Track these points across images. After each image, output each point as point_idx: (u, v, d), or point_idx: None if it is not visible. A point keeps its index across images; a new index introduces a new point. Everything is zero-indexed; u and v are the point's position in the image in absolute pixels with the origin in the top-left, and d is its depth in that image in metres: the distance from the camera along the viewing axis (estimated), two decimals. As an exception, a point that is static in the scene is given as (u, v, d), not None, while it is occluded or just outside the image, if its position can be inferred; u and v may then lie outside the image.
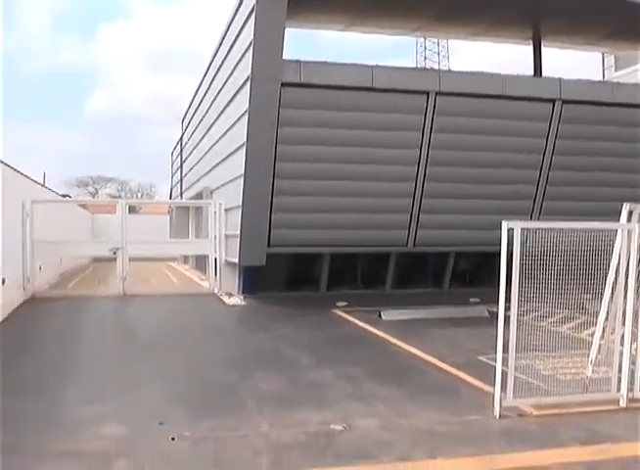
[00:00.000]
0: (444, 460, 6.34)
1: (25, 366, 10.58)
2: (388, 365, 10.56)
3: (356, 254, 20.30)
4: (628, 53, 25.16)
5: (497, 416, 7.62)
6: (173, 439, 6.94)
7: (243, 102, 17.53)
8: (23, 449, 6.67)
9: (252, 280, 19.45)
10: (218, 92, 22.42)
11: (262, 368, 10.34)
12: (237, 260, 18.92)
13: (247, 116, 17.03)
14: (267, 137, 17.05)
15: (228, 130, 20.40)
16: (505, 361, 7.58)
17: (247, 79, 16.99)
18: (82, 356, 11.62)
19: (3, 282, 15.37)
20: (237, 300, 18.92)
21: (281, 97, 16.80)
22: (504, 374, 7.62)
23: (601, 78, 25.46)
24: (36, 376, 9.96)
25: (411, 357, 11.14)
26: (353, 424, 7.41)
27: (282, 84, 16.74)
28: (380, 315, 15.34)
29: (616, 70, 32.56)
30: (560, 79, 19.24)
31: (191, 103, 32.63)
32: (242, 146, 17.75)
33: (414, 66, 69.79)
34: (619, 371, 8.09)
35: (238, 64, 18.49)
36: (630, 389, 8.15)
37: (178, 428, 7.24)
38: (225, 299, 19.29)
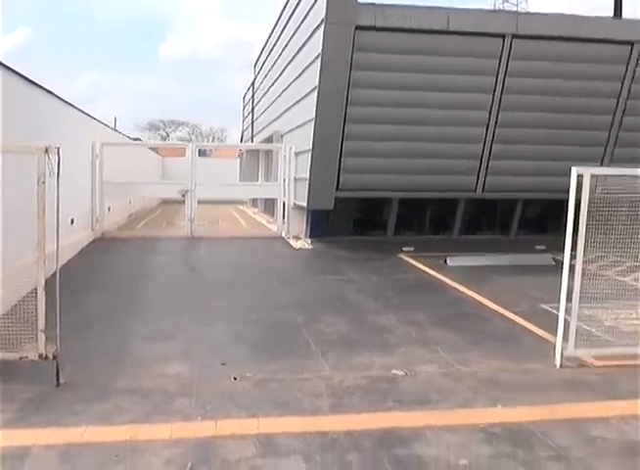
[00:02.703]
0: (504, 409, 6.40)
1: (91, 302, 10.91)
2: (452, 312, 10.59)
3: (424, 199, 20.17)
4: None
5: (558, 366, 7.65)
6: (235, 379, 7.15)
7: (316, 45, 17.38)
8: (87, 385, 6.96)
9: (320, 224, 19.60)
10: (292, 36, 22.23)
11: (327, 312, 10.46)
12: (305, 204, 19.03)
13: (319, 59, 16.90)
14: (339, 81, 16.91)
15: (300, 74, 20.28)
16: (568, 311, 7.53)
17: (320, 22, 16.81)
18: (148, 295, 11.94)
19: (72, 222, 15.88)
20: (304, 243, 19.08)
21: (355, 40, 16.61)
22: (567, 324, 7.58)
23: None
24: (101, 313, 10.28)
25: (475, 304, 11.16)
26: (415, 370, 7.52)
27: (356, 27, 16.51)
28: (445, 261, 15.32)
29: None
30: (640, 21, 18.57)
31: (264, 47, 32.43)
32: (313, 90, 17.65)
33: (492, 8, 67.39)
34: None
35: (312, 7, 18.25)
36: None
37: (240, 369, 7.46)
38: (292, 242, 19.47)
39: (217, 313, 10.32)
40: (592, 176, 7.40)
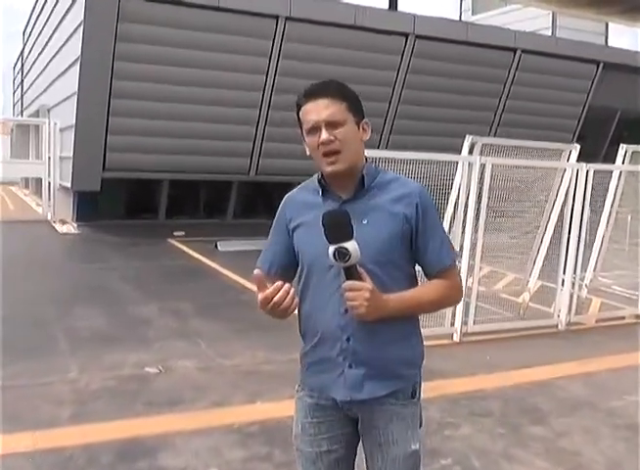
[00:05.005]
0: (264, 404, 5.94)
1: None
2: (218, 300, 10.17)
3: (197, 182, 19.69)
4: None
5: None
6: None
7: (78, 13, 16.23)
8: None
9: (87, 207, 18.47)
10: (57, 1, 20.76)
11: (84, 303, 9.60)
12: (70, 185, 17.84)
13: (81, 28, 15.76)
14: (103, 52, 15.88)
15: (65, 43, 18.95)
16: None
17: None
18: None
19: None
20: (70, 228, 17.90)
21: (120, 10, 15.64)
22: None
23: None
24: None
25: (243, 291, 10.70)
26: (171, 366, 6.90)
27: (121, -5, 15.57)
28: (216, 246, 14.94)
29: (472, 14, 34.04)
30: (414, 15, 19.19)
31: (31, 13, 30.34)
32: (76, 61, 16.48)
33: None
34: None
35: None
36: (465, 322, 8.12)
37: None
38: (58, 226, 18.21)
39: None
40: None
